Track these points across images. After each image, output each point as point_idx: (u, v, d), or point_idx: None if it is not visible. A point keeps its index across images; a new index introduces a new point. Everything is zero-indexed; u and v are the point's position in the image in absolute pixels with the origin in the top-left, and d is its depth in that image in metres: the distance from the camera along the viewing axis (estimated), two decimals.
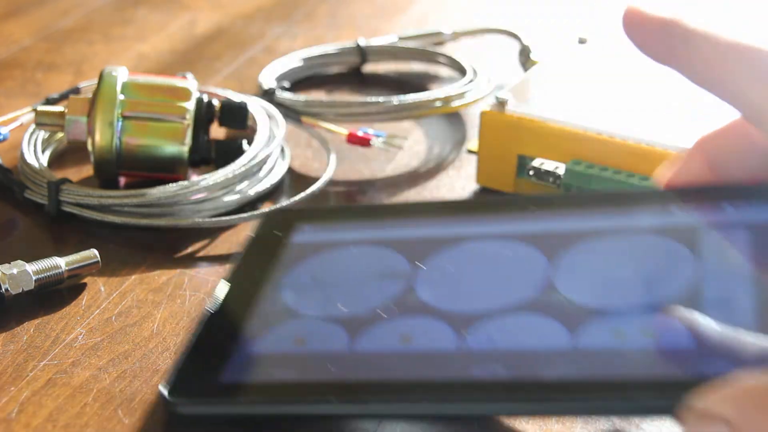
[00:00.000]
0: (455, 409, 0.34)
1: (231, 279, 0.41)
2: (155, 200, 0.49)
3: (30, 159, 0.53)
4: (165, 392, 0.36)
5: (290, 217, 0.44)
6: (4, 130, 0.54)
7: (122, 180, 0.53)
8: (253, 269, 0.41)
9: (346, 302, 0.39)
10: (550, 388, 0.33)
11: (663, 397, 0.31)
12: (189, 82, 0.53)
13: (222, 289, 0.40)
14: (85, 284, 0.45)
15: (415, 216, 0.42)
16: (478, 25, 0.71)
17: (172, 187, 0.49)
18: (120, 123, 0.51)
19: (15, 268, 0.43)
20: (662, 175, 0.39)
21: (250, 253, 0.43)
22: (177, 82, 0.53)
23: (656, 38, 0.36)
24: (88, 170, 0.55)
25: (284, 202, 0.52)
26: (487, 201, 0.43)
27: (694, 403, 0.30)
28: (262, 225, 0.44)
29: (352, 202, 0.53)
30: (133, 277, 0.46)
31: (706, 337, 0.33)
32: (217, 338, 0.38)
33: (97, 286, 0.45)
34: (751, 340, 0.32)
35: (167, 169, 0.52)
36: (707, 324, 0.33)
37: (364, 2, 0.81)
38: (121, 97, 0.51)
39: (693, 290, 0.35)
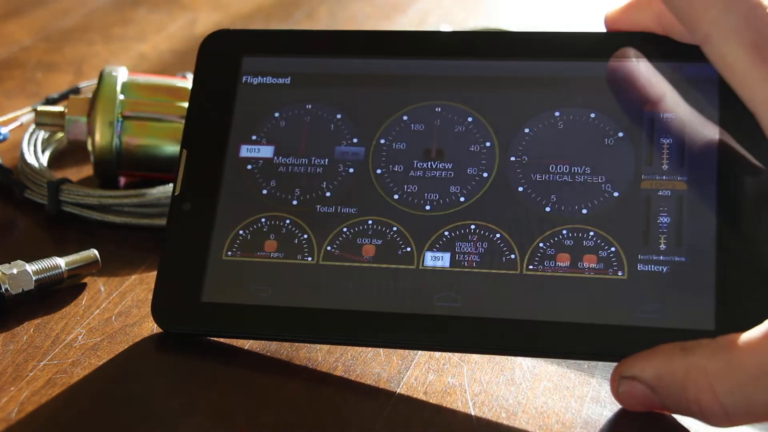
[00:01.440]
0: (408, 343, 0.38)
1: (186, 144, 0.41)
2: (155, 200, 0.49)
3: (30, 159, 0.53)
4: (154, 317, 0.39)
5: (235, 46, 0.42)
6: (4, 130, 0.54)
7: (122, 180, 0.53)
8: (207, 129, 0.41)
9: (308, 189, 0.40)
10: (500, 328, 0.36)
11: (606, 346, 0.35)
12: (189, 82, 0.53)
13: (181, 159, 0.41)
14: (85, 284, 0.45)
15: (367, 50, 0.42)
16: (477, 25, 0.71)
17: (171, 187, 0.49)
18: (120, 123, 0.51)
19: (15, 268, 0.43)
20: (610, 15, 0.39)
21: (200, 103, 0.42)
22: (177, 82, 0.53)
23: None
24: (88, 170, 0.55)
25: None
26: (442, 36, 0.43)
27: (625, 367, 0.35)
28: (205, 57, 0.42)
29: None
30: (133, 277, 0.46)
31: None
32: (190, 238, 0.39)
33: (97, 286, 0.45)
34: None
35: (167, 169, 0.52)
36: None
37: (364, 2, 0.81)
38: (121, 97, 0.51)
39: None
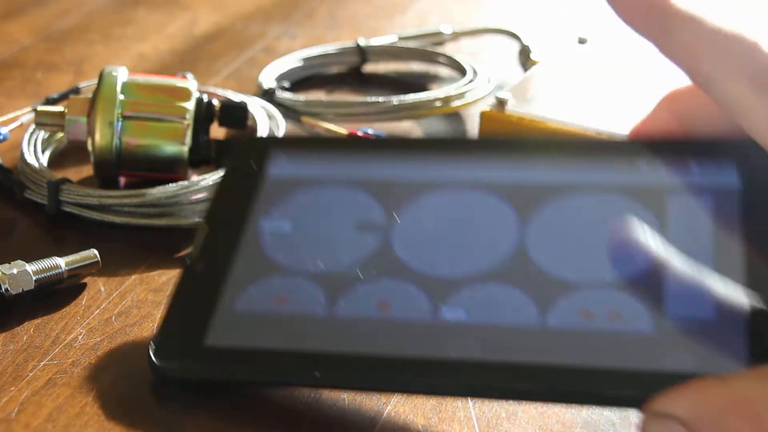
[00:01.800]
0: (428, 388, 0.35)
1: (208, 220, 0.41)
2: (155, 200, 0.49)
3: (30, 159, 0.53)
4: (152, 355, 0.37)
5: (265, 147, 0.43)
6: (4, 130, 0.54)
7: (122, 180, 0.53)
8: (231, 209, 0.41)
9: (325, 256, 0.39)
10: (520, 372, 0.34)
11: (631, 389, 0.33)
12: (189, 82, 0.53)
13: (201, 232, 0.40)
14: (85, 284, 0.45)
15: (392, 152, 0.42)
16: (478, 25, 0.71)
17: (172, 187, 0.49)
18: (120, 123, 0.51)
19: (15, 268, 0.43)
20: (632, 134, 0.39)
21: (227, 189, 0.42)
22: (177, 82, 0.53)
23: (640, 13, 0.36)
24: (88, 170, 0.55)
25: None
26: (463, 141, 0.43)
27: (655, 404, 0.32)
28: (238, 155, 0.44)
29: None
30: (133, 277, 0.46)
31: (673, 272, 0.35)
32: (199, 293, 0.39)
33: (97, 286, 0.45)
34: (716, 283, 0.34)
35: (167, 169, 0.52)
36: (673, 261, 0.35)
37: (364, 2, 0.81)
38: (121, 97, 0.51)
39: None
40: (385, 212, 0.40)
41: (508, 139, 0.43)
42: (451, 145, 0.43)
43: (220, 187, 0.43)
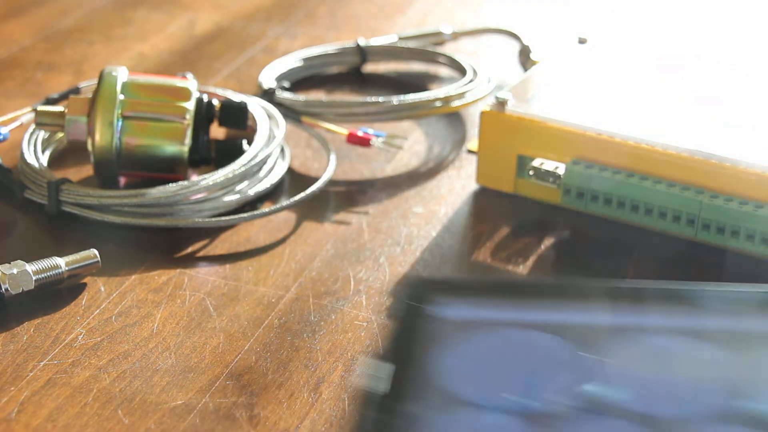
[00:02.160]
0: None
1: (385, 358, 0.40)
2: (155, 200, 0.49)
3: (30, 159, 0.53)
4: None
5: (436, 289, 0.43)
6: (4, 130, 0.54)
7: (122, 180, 0.53)
8: (406, 349, 0.41)
9: (516, 392, 0.37)
10: None
11: None
12: (189, 82, 0.53)
13: (378, 369, 0.40)
14: (85, 284, 0.45)
15: (569, 297, 0.41)
16: (478, 25, 0.71)
17: (172, 187, 0.49)
18: (120, 123, 0.51)
19: (15, 268, 0.43)
20: None
21: (400, 331, 0.42)
22: (177, 82, 0.53)
23: None
24: (88, 170, 0.55)
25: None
26: (648, 290, 0.42)
27: None
28: (408, 297, 0.43)
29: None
30: (133, 277, 0.46)
31: None
32: (384, 425, 0.38)
33: (97, 286, 0.45)
34: None
35: (167, 169, 0.52)
36: None
37: (364, 2, 0.81)
38: (121, 97, 0.51)
39: None
40: (571, 351, 0.39)
41: (706, 289, 0.41)
42: (641, 293, 0.41)
43: (396, 327, 0.42)
